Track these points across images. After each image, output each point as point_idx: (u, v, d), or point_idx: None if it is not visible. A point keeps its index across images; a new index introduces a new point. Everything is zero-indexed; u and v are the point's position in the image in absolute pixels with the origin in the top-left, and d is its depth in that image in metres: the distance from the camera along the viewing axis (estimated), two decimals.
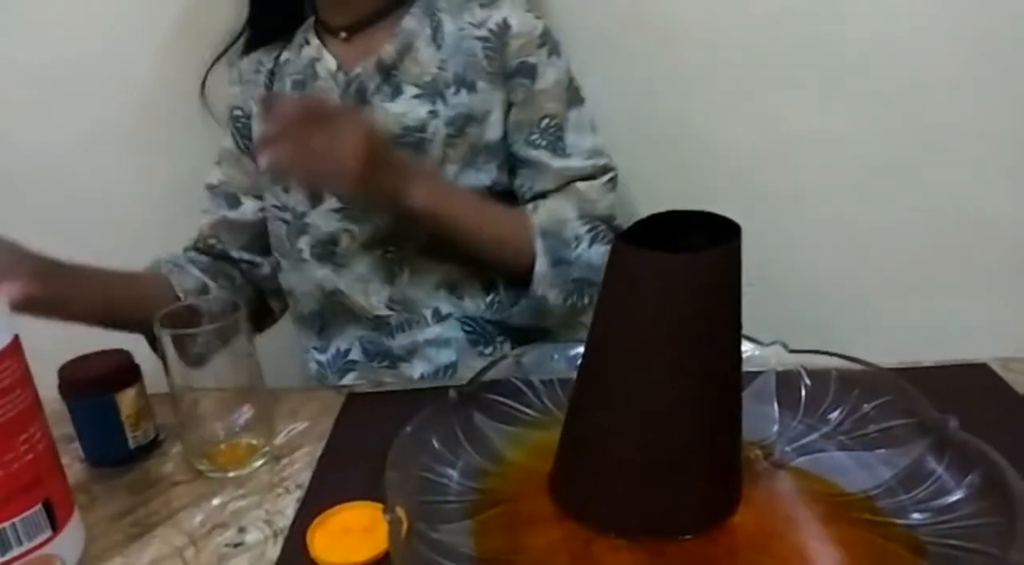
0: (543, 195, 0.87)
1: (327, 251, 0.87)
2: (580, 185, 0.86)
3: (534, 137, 0.85)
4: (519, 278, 0.84)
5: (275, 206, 0.90)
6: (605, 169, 0.87)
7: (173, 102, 1.04)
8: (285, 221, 0.88)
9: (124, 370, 0.67)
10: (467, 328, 0.88)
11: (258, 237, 0.94)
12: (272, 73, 0.90)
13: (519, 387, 0.66)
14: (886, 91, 1.00)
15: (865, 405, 0.60)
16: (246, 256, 0.94)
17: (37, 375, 0.69)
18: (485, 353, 0.89)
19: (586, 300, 0.85)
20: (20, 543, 0.51)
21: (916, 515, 0.51)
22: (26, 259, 0.69)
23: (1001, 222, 1.04)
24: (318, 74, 0.86)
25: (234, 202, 0.94)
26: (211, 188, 0.94)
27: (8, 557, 0.50)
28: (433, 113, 0.82)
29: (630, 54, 1.01)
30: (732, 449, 0.52)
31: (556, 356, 0.68)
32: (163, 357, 0.62)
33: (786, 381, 0.64)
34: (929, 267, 1.07)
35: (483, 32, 0.83)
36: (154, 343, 0.77)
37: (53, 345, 0.73)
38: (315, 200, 0.86)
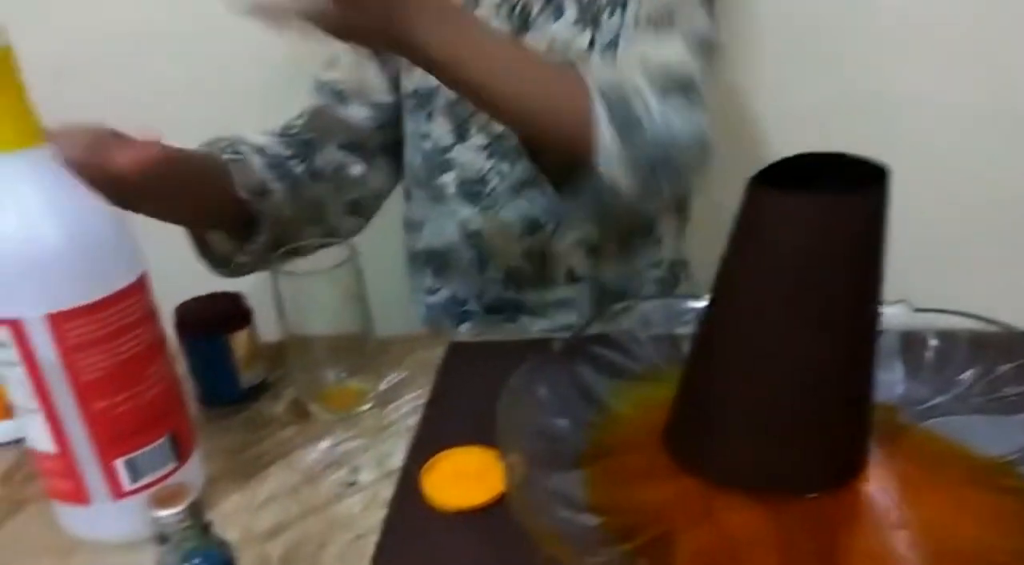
0: None
1: (474, 191, 0.83)
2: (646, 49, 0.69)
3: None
4: (580, 158, 0.65)
5: (417, 133, 0.85)
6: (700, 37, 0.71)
7: None
8: (424, 152, 0.85)
9: (237, 312, 0.68)
10: (595, 293, 0.86)
11: (358, 144, 0.84)
12: None
13: (624, 341, 0.64)
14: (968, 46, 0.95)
15: (1000, 367, 0.56)
16: (339, 155, 0.83)
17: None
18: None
19: (664, 185, 0.67)
20: (147, 473, 0.53)
21: None
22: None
23: None
24: (480, 1, 0.78)
25: (342, 100, 0.84)
26: (319, 85, 0.85)
27: (135, 486, 0.52)
28: (592, 43, 0.76)
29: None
30: (864, 407, 0.50)
31: (660, 311, 0.67)
32: (278, 299, 0.63)
33: (911, 341, 0.61)
34: None
35: None
36: (203, 246, 0.73)
37: (168, 286, 0.76)
38: (461, 134, 0.82)
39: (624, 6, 0.74)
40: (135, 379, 0.51)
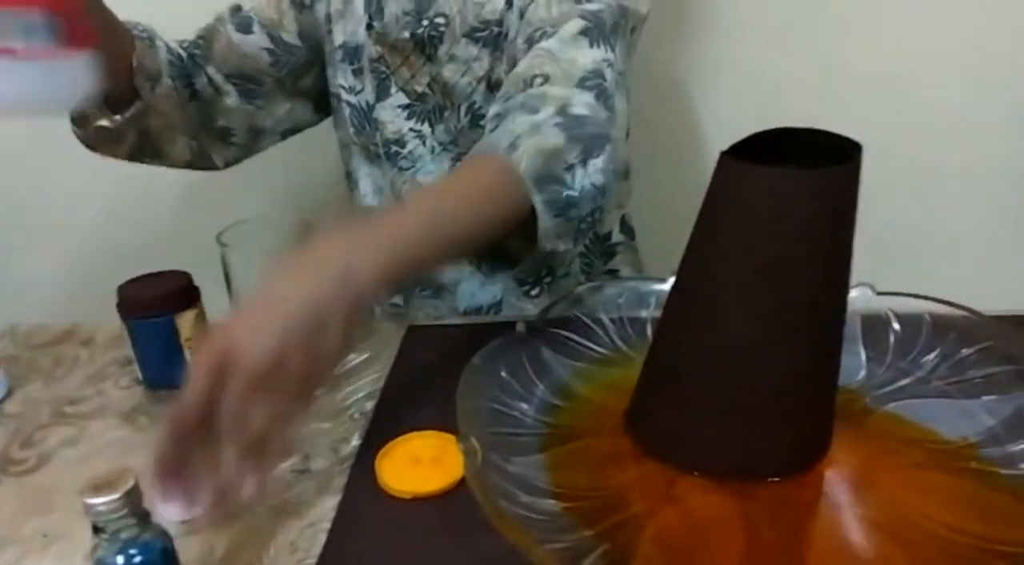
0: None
1: (393, 151, 0.82)
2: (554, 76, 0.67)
3: None
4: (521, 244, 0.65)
5: (343, 86, 0.83)
6: (597, 17, 0.70)
7: None
8: (352, 106, 0.83)
9: (184, 292, 0.65)
10: (524, 265, 0.84)
11: (246, 74, 0.82)
12: None
13: (588, 324, 0.63)
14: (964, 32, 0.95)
15: (963, 350, 0.56)
16: (219, 79, 0.81)
17: (97, 295, 0.68)
18: (531, 294, 0.86)
19: (597, 225, 0.69)
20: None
21: None
22: None
23: None
24: None
25: (246, 27, 0.82)
26: (231, 9, 0.82)
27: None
28: (509, 3, 0.74)
29: None
30: (828, 390, 0.49)
31: (625, 294, 0.66)
32: (227, 277, 0.61)
33: (872, 325, 0.60)
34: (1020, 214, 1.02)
35: None
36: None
37: (112, 265, 0.73)
38: (381, 93, 0.81)
39: None
40: None
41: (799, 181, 0.41)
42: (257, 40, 0.82)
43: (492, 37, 0.76)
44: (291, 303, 0.45)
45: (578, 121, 0.65)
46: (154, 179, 0.75)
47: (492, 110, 0.69)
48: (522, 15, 0.73)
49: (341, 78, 0.84)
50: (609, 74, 0.68)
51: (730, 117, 1.01)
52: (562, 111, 0.64)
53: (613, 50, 0.69)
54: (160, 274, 0.66)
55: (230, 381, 0.43)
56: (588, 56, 0.68)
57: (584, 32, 0.69)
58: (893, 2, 0.96)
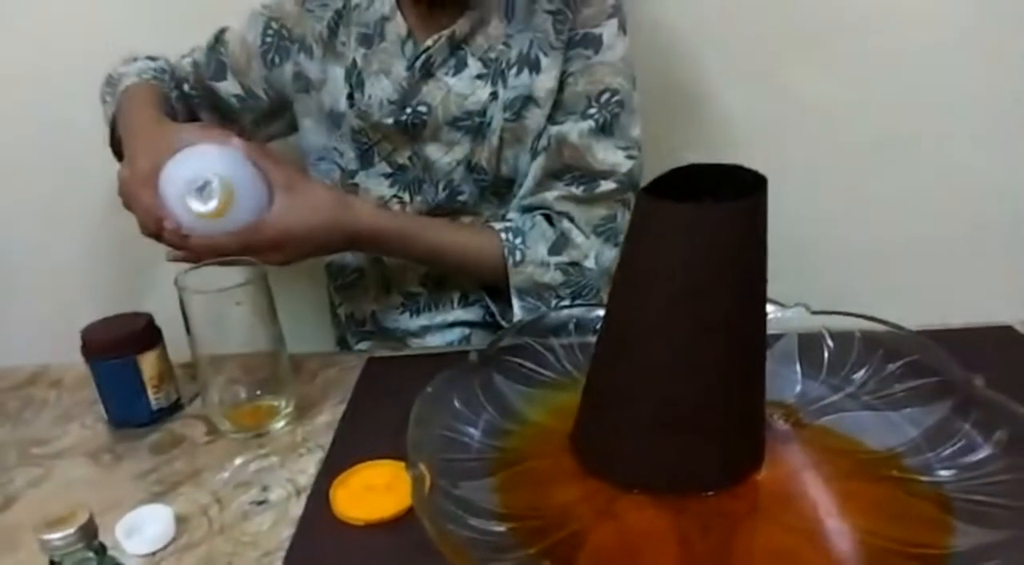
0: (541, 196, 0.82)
1: None
2: (572, 231, 0.81)
3: (592, 111, 0.78)
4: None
5: (327, 146, 0.86)
6: (630, 177, 0.81)
7: None
8: (339, 167, 0.86)
9: (146, 332, 0.67)
10: (488, 312, 0.87)
11: (219, 110, 0.89)
12: (339, 15, 0.82)
13: (539, 350, 0.65)
14: (898, 59, 0.99)
15: (890, 365, 0.59)
16: (195, 104, 0.89)
17: (61, 337, 0.70)
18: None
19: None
20: None
21: (942, 472, 0.50)
22: None
23: (1018, 186, 1.02)
24: (386, 36, 0.80)
25: (219, 74, 0.87)
26: (210, 47, 0.87)
27: None
28: (494, 95, 0.78)
29: (653, 25, 1.00)
30: (755, 406, 0.52)
31: (573, 320, 0.68)
32: (185, 318, 0.63)
33: (808, 343, 0.63)
34: (947, 232, 1.06)
35: (555, 5, 0.77)
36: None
37: (76, 308, 0.74)
38: (364, 162, 0.84)
39: (535, 67, 0.78)
40: None
41: (706, 214, 0.44)
42: (228, 87, 0.86)
43: (475, 126, 0.79)
44: (304, 247, 0.70)
45: (582, 273, 0.81)
46: (121, 225, 0.77)
47: (524, 200, 0.83)
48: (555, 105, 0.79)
49: (324, 139, 0.86)
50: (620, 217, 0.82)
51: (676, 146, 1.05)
52: (574, 263, 0.81)
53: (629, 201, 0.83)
54: (122, 316, 0.68)
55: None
56: (603, 206, 0.81)
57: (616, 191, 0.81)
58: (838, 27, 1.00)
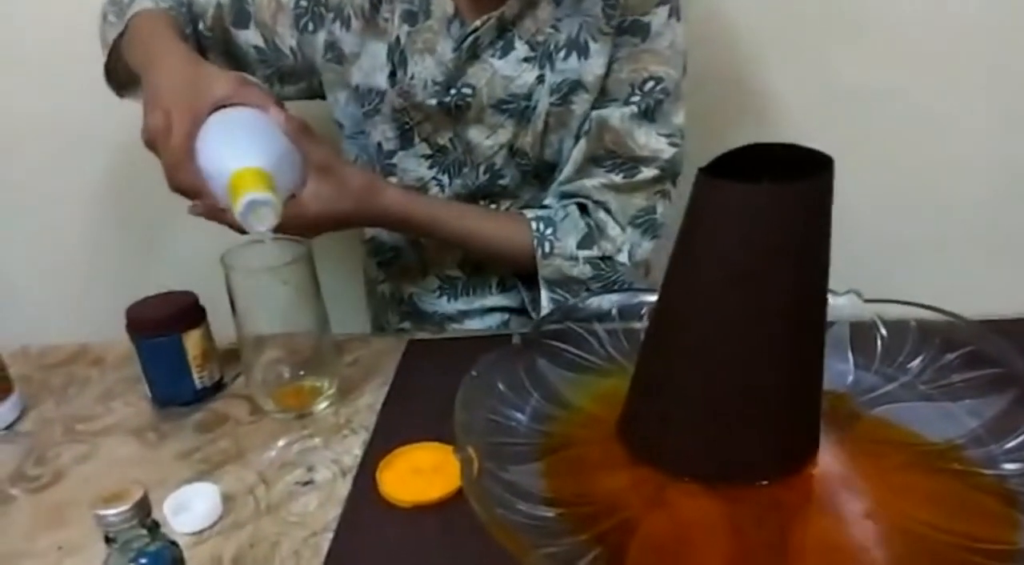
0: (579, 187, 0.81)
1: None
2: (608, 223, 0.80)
3: (635, 98, 0.77)
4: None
5: (355, 124, 0.85)
6: (672, 165, 0.80)
7: None
8: (367, 149, 0.85)
9: (190, 311, 0.67)
10: (527, 296, 0.86)
11: (231, 57, 0.84)
12: None
13: (583, 335, 0.65)
14: (944, 46, 0.97)
15: (947, 355, 0.57)
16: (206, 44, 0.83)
17: (107, 316, 0.70)
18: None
19: None
20: None
21: (1008, 465, 0.49)
22: None
23: None
24: (432, 14, 0.76)
25: (242, 22, 0.81)
26: None
27: None
28: (540, 78, 0.77)
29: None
30: (813, 395, 0.50)
31: (618, 306, 0.67)
32: (231, 296, 0.62)
33: (860, 331, 0.62)
34: (1001, 223, 1.03)
35: None
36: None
37: (122, 286, 0.75)
38: (404, 142, 0.82)
39: (584, 52, 0.76)
40: None
41: (771, 195, 0.43)
42: (249, 36, 0.82)
43: (519, 110, 0.78)
44: (328, 227, 0.69)
45: (613, 267, 0.80)
46: (164, 203, 0.77)
47: (562, 186, 0.81)
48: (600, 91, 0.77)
49: (353, 113, 0.84)
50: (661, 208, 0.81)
51: (721, 131, 1.03)
52: (606, 257, 0.80)
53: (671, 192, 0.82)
54: (167, 294, 0.69)
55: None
56: (642, 196, 0.80)
57: (657, 180, 0.80)
58: (880, 14, 0.98)
